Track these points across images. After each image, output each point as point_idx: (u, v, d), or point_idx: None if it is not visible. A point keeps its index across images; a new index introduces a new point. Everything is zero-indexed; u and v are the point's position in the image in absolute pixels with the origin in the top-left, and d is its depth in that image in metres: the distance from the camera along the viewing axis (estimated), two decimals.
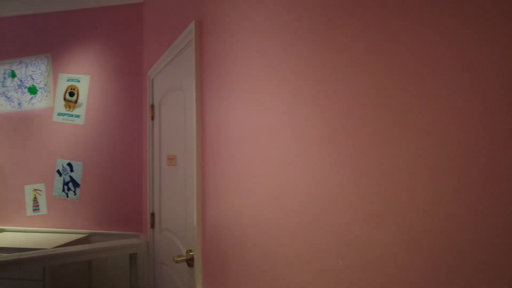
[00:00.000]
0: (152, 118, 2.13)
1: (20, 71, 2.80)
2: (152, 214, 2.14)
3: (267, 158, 0.89)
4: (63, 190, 2.65)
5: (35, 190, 2.73)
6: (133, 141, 2.52)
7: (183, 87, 1.59)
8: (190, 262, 1.41)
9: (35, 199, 2.73)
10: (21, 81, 2.79)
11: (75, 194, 2.62)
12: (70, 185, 2.64)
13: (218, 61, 1.21)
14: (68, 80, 2.66)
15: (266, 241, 0.88)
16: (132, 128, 2.52)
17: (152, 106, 2.13)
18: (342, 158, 0.63)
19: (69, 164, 2.64)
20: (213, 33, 1.25)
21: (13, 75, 2.81)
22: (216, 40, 1.22)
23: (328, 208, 0.66)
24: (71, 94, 2.64)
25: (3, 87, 2.84)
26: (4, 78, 2.84)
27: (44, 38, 2.75)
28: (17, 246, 2.25)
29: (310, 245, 0.71)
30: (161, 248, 2.03)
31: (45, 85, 2.72)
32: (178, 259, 1.41)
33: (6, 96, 2.83)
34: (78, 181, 2.62)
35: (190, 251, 1.44)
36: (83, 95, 2.62)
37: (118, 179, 2.54)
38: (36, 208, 2.72)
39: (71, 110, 2.64)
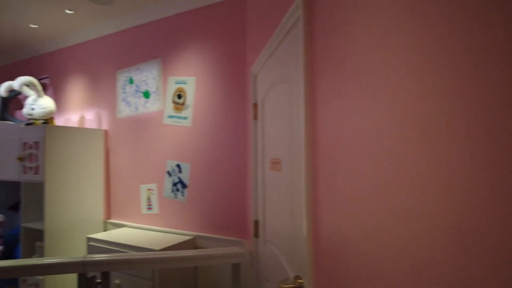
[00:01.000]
0: (255, 117, 1.95)
1: (137, 77, 2.98)
2: (256, 222, 1.96)
3: (424, 168, 0.55)
4: (172, 191, 2.71)
5: (148, 189, 2.87)
6: (237, 143, 2.40)
7: (289, 78, 1.33)
8: None
9: (148, 198, 2.87)
10: (137, 86, 2.98)
11: (183, 195, 2.65)
12: (179, 186, 2.68)
13: (337, 40, 0.91)
14: (176, 83, 2.71)
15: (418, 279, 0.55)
16: (236, 129, 2.40)
17: (255, 105, 1.95)
18: None
19: (178, 165, 2.68)
20: (329, 4, 0.96)
21: (131, 81, 3.02)
22: (333, 13, 0.93)
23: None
24: (179, 97, 2.68)
25: (124, 93, 3.08)
26: (125, 84, 3.07)
27: (155, 44, 2.87)
28: (132, 243, 2.34)
29: None
30: (265, 261, 1.82)
31: (157, 88, 2.83)
32: (285, 286, 1.16)
33: (126, 101, 3.06)
34: (186, 182, 2.64)
35: (299, 277, 1.17)
36: (189, 97, 2.63)
37: (222, 182, 2.46)
38: (149, 207, 2.86)
39: (179, 112, 2.68)
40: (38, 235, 2.85)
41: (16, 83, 2.83)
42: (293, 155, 1.28)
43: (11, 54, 4.25)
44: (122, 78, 3.10)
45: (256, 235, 1.97)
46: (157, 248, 2.22)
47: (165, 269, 2.23)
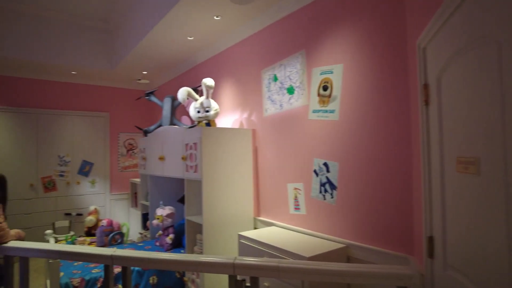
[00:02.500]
0: (426, 102, 1.51)
1: (280, 73, 2.89)
2: (430, 239, 1.52)
3: None
4: (320, 192, 2.49)
5: (295, 189, 2.73)
6: (397, 136, 1.98)
7: (494, 38, 0.90)
8: None
9: (295, 198, 2.73)
10: (281, 83, 2.88)
11: (331, 197, 2.39)
12: (327, 186, 2.44)
13: None
14: (321, 74, 2.47)
15: None
16: (395, 118, 1.99)
17: (426, 86, 1.51)
18: None
19: (325, 164, 2.44)
20: None
21: (275, 78, 2.95)
22: None
23: None
24: (325, 88, 2.43)
25: (269, 91, 3.04)
26: (269, 83, 3.03)
27: (298, 35, 2.70)
28: (281, 246, 2.23)
29: None
30: None
31: (301, 83, 2.66)
32: None
33: (271, 100, 3.02)
34: (335, 182, 2.37)
35: None
36: (336, 87, 2.34)
37: (379, 183, 2.08)
38: (297, 207, 2.72)
39: (325, 105, 2.43)
40: (198, 228, 3.10)
41: (205, 83, 3.19)
42: (508, 153, 0.84)
43: (175, 69, 4.91)
44: (266, 76, 3.07)
45: (431, 255, 1.53)
46: (307, 255, 2.03)
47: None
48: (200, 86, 3.35)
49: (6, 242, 2.40)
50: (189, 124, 3.69)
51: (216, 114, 3.30)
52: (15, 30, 4.38)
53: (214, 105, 3.30)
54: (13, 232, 2.53)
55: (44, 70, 5.03)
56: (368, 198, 2.15)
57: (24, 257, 2.25)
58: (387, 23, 2.03)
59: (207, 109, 3.25)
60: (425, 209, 1.56)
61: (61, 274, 2.79)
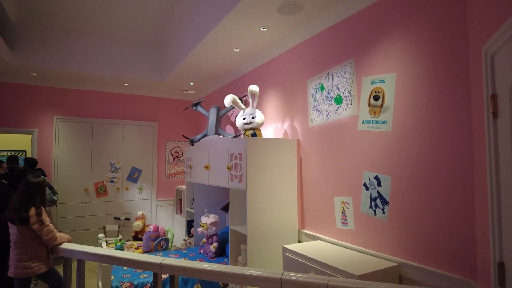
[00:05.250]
0: (494, 115, 1.38)
1: (327, 83, 2.83)
2: (500, 265, 1.37)
3: None
4: (370, 207, 2.37)
5: (343, 202, 2.63)
6: (457, 150, 1.83)
7: None
8: None
9: (343, 212, 2.63)
10: (328, 92, 2.82)
11: (383, 213, 2.27)
12: (378, 201, 2.32)
13: None
14: (372, 83, 2.37)
15: None
16: (454, 131, 1.85)
17: (494, 97, 1.39)
18: None
19: (376, 178, 2.33)
20: None
21: (322, 88, 2.90)
22: None
23: None
24: (376, 98, 2.33)
25: (315, 101, 2.99)
26: (315, 92, 2.98)
27: (347, 43, 2.63)
28: (328, 262, 2.15)
29: None
30: None
31: (349, 92, 2.58)
32: None
33: (317, 110, 2.96)
34: (387, 198, 2.25)
35: None
36: (389, 97, 2.24)
37: (436, 201, 1.94)
38: (344, 221, 2.62)
39: (376, 116, 2.33)
40: (242, 237, 3.09)
41: (251, 89, 3.23)
42: None
43: (220, 80, 5.01)
44: (312, 86, 3.02)
45: (502, 283, 1.38)
46: (356, 273, 1.93)
47: None
48: (245, 96, 3.38)
49: (60, 244, 2.55)
50: (233, 134, 3.72)
51: (262, 122, 3.31)
52: (78, 47, 4.74)
53: (259, 113, 3.31)
54: (62, 235, 2.68)
55: (99, 82, 5.38)
56: (424, 215, 2.00)
57: (80, 259, 2.37)
58: (446, 29, 1.91)
59: (252, 115, 3.26)
60: (493, 230, 1.42)
61: (112, 277, 2.91)
